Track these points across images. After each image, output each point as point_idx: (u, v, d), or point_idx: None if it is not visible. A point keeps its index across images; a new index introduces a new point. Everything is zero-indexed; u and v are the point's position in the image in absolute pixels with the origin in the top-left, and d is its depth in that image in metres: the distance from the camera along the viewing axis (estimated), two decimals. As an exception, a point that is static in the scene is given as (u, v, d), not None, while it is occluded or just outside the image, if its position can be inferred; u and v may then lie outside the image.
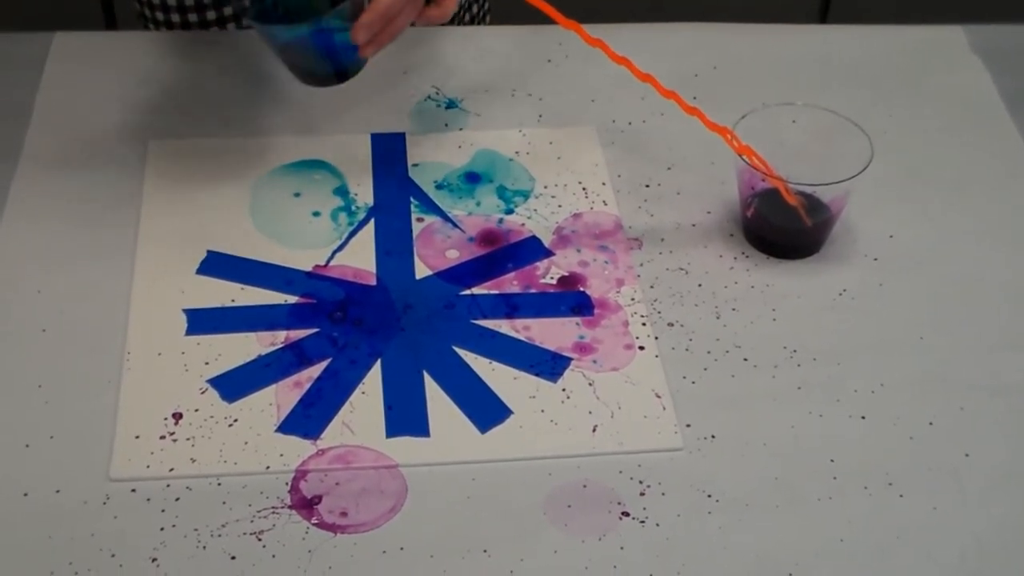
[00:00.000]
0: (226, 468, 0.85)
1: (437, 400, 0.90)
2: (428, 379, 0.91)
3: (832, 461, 0.88)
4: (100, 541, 0.81)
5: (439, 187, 1.05)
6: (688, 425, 0.89)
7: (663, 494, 0.85)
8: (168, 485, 0.84)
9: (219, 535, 0.82)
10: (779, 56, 1.18)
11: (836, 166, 0.97)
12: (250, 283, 0.97)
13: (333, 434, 0.87)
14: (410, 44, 1.18)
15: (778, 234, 1.00)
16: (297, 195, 1.04)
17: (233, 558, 0.81)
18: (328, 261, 0.99)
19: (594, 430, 0.89)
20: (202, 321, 0.94)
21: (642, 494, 0.85)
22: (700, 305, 0.97)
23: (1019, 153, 1.11)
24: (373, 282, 0.97)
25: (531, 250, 1.01)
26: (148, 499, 0.83)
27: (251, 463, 0.86)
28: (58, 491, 0.84)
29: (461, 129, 1.10)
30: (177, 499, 0.84)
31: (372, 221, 1.02)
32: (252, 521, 0.83)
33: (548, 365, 0.92)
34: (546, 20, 0.98)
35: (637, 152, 1.09)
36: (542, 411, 0.90)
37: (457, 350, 0.93)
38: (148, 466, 0.85)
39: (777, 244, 1.00)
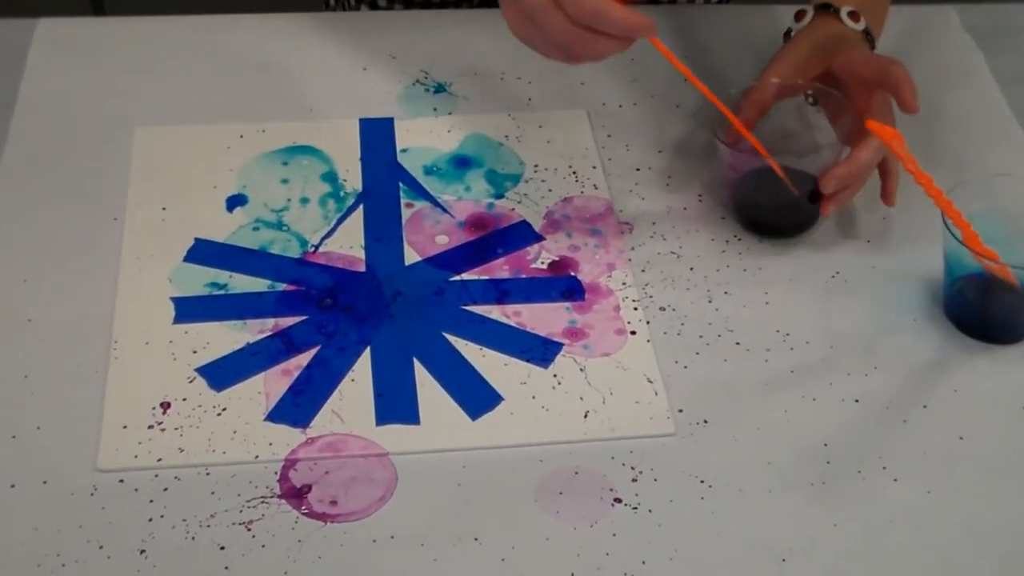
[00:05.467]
0: (215, 458, 0.85)
1: (427, 387, 0.89)
2: (418, 366, 0.90)
3: (825, 445, 0.87)
4: (88, 532, 0.80)
5: (428, 172, 1.04)
6: (680, 410, 0.89)
7: (655, 480, 0.85)
8: (156, 475, 0.84)
9: (208, 525, 0.81)
10: (774, 36, 1.17)
11: (822, 140, 0.96)
12: (238, 270, 0.96)
13: (322, 422, 0.87)
14: (398, 28, 1.17)
15: (769, 213, 0.99)
16: (285, 181, 1.03)
17: (222, 548, 0.80)
18: (317, 248, 0.98)
19: (586, 416, 0.88)
20: (190, 309, 0.93)
21: (634, 480, 0.85)
22: (692, 289, 0.97)
23: (1011, 131, 1.10)
24: (362, 269, 0.97)
25: (521, 235, 1.00)
26: (136, 489, 0.83)
27: (240, 452, 0.85)
28: (45, 482, 0.83)
29: (450, 113, 1.09)
30: (165, 489, 0.83)
31: (361, 207, 1.01)
32: (241, 511, 0.82)
33: (539, 351, 0.92)
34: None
35: (628, 135, 1.08)
36: (533, 397, 0.89)
37: (447, 336, 0.92)
38: (136, 456, 0.84)
39: (769, 224, 1.00)
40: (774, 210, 0.99)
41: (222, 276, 0.96)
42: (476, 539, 0.81)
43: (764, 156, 0.95)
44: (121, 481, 0.83)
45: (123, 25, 1.17)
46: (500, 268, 0.97)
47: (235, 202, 1.01)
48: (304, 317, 0.93)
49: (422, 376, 0.90)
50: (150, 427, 0.86)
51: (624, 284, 0.96)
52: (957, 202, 0.91)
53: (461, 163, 1.05)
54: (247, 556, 0.80)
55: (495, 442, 0.86)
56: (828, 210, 0.96)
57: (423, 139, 1.07)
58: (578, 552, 0.81)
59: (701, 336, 0.93)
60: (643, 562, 0.81)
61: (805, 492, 0.85)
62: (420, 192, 1.03)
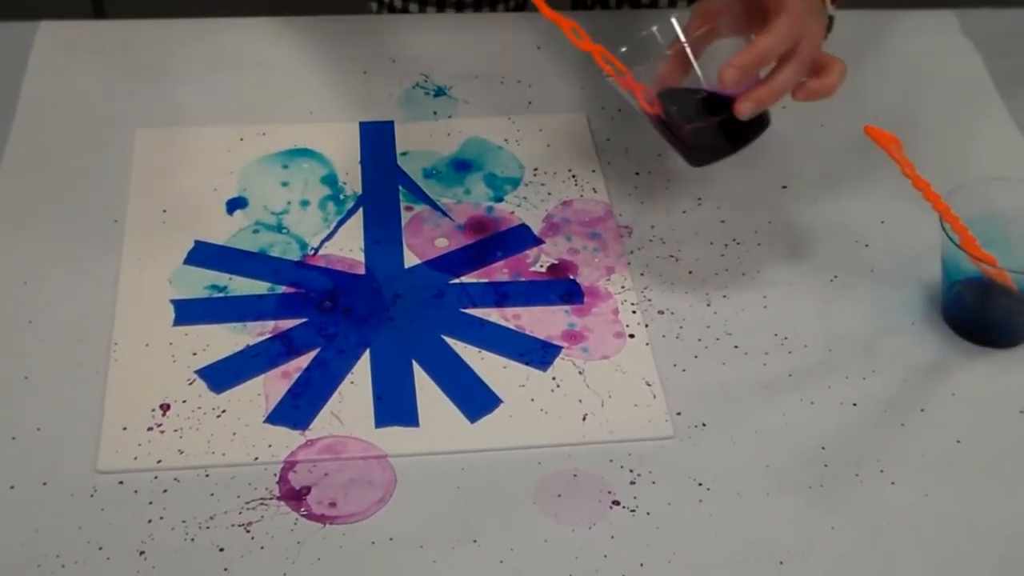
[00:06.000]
0: (214, 459, 0.85)
1: (426, 390, 0.89)
2: (417, 369, 0.91)
3: (823, 448, 0.87)
4: (87, 534, 0.81)
5: (428, 175, 1.04)
6: (679, 413, 0.89)
7: (654, 483, 0.85)
8: (156, 477, 0.84)
9: (207, 527, 0.81)
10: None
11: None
12: (238, 273, 0.96)
13: (322, 424, 0.87)
14: (398, 31, 1.17)
15: (699, 134, 0.93)
16: (285, 184, 1.03)
17: (221, 550, 0.80)
18: (317, 251, 0.98)
19: (584, 419, 0.88)
20: (189, 311, 0.93)
21: (632, 483, 0.85)
22: (690, 292, 0.97)
23: (1010, 135, 1.10)
24: (362, 271, 0.97)
25: (521, 238, 1.00)
26: (136, 491, 0.83)
27: (239, 454, 0.85)
28: (45, 483, 0.83)
29: (450, 117, 1.10)
30: (165, 491, 0.83)
31: (361, 210, 1.01)
32: (240, 513, 0.82)
33: (538, 354, 0.92)
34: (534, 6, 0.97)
35: (627, 139, 1.08)
36: (532, 400, 0.89)
37: (446, 339, 0.93)
38: (136, 458, 0.84)
39: (705, 146, 0.93)
40: (704, 128, 0.93)
41: (222, 278, 0.96)
42: (475, 541, 0.82)
43: (611, 69, 0.91)
44: (121, 483, 0.83)
45: (124, 28, 1.17)
46: (499, 271, 0.97)
47: (235, 205, 1.01)
48: (304, 319, 0.93)
49: (421, 379, 0.90)
50: (150, 429, 0.86)
51: (623, 287, 0.97)
52: (955, 206, 0.91)
53: (461, 166, 1.06)
54: (246, 558, 0.80)
55: (494, 444, 0.87)
56: (741, 107, 0.88)
57: (423, 142, 1.07)
58: (576, 554, 0.81)
59: (700, 339, 0.94)
60: (641, 564, 0.81)
61: (803, 495, 0.85)
62: (420, 195, 1.03)
